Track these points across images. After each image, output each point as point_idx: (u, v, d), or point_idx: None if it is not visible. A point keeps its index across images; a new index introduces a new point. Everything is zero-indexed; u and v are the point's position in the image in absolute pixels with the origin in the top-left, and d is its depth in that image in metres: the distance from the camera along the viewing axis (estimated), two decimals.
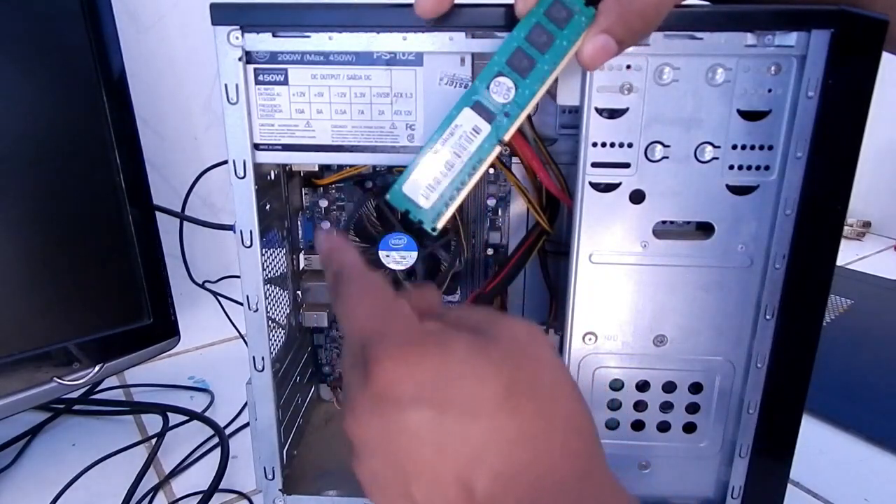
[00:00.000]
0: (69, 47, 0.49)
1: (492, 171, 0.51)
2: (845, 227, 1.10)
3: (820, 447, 0.58)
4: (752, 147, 0.37)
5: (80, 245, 0.52)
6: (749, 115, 0.36)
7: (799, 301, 0.38)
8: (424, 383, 0.23)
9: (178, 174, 0.66)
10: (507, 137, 0.30)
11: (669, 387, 0.42)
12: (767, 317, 0.39)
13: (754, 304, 0.39)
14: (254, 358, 0.42)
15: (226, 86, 0.36)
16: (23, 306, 0.50)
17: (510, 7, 0.34)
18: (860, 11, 0.33)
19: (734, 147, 0.37)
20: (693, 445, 0.43)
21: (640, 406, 0.42)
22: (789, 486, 0.43)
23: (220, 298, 0.63)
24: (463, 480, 0.23)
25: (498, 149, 0.30)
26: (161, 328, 0.57)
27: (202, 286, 0.63)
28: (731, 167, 0.37)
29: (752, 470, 0.42)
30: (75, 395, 0.62)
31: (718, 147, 0.37)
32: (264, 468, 0.44)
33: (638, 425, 0.43)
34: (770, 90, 0.36)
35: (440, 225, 0.29)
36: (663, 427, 0.43)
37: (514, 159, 0.46)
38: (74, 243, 0.52)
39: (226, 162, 0.37)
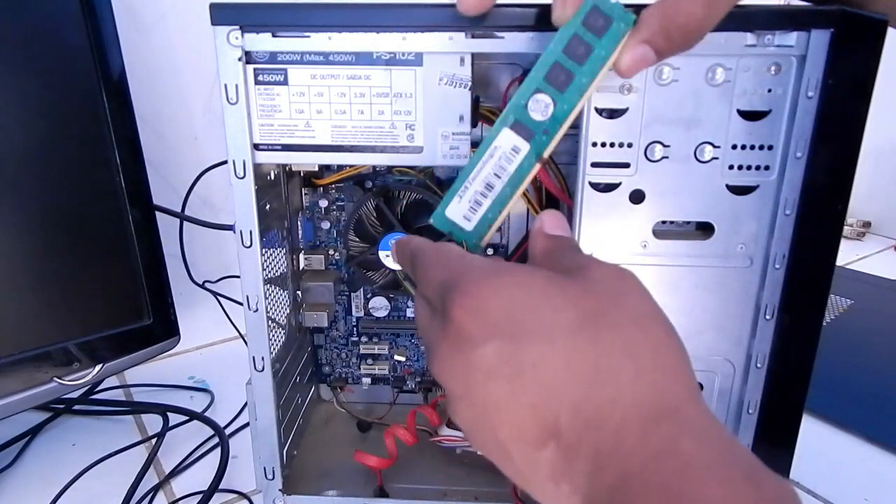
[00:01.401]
0: (69, 47, 0.49)
1: None
2: (845, 227, 1.10)
3: (820, 447, 0.58)
4: (752, 147, 0.37)
5: (81, 245, 0.52)
6: (749, 115, 0.36)
7: (799, 301, 0.38)
8: (498, 317, 0.23)
9: (178, 174, 0.66)
10: (546, 154, 0.29)
11: None
12: (767, 317, 0.39)
13: (754, 304, 0.39)
14: (254, 358, 0.42)
15: (225, 86, 0.36)
16: (23, 306, 0.50)
17: (509, 7, 0.34)
18: (860, 12, 0.33)
19: (734, 147, 0.37)
20: None
21: None
22: None
23: (219, 298, 0.63)
24: (542, 417, 0.22)
25: (538, 166, 0.29)
26: (161, 328, 0.57)
27: (202, 286, 0.63)
28: (731, 167, 0.37)
29: None
30: (75, 395, 0.62)
31: (718, 147, 0.37)
32: (264, 468, 0.44)
33: None
34: (770, 90, 0.36)
35: (484, 244, 0.29)
36: None
37: None
38: (74, 243, 0.52)
39: (226, 162, 0.37)
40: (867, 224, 1.15)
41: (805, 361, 0.40)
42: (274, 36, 0.35)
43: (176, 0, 0.60)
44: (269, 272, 0.44)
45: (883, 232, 1.16)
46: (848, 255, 1.05)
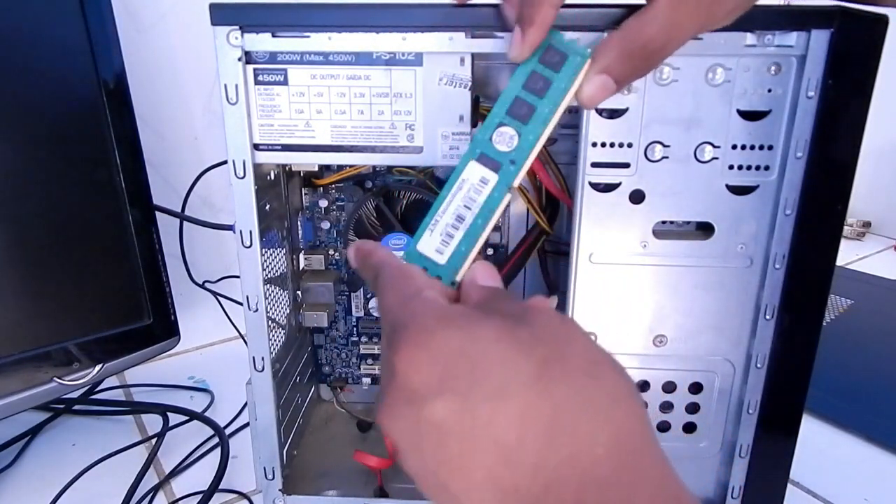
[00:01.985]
0: (69, 47, 0.49)
1: None
2: (845, 227, 1.09)
3: (820, 447, 0.58)
4: (752, 147, 0.37)
5: (81, 245, 0.52)
6: (749, 115, 0.36)
7: (799, 301, 0.38)
8: (447, 369, 0.22)
9: (178, 174, 0.66)
10: (516, 184, 0.29)
11: (669, 387, 0.42)
12: (767, 317, 0.39)
13: (754, 304, 0.39)
14: (254, 358, 0.42)
15: (225, 86, 0.36)
16: (23, 306, 0.50)
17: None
18: (861, 9, 0.33)
19: (734, 147, 0.37)
20: (693, 445, 0.43)
21: None
22: (789, 486, 0.43)
23: (219, 298, 0.63)
24: (498, 480, 0.21)
25: (508, 196, 0.29)
26: (161, 328, 0.57)
27: (202, 286, 0.63)
28: (731, 167, 0.37)
29: (752, 470, 0.42)
30: (75, 395, 0.62)
31: (718, 147, 0.37)
32: (264, 468, 0.44)
33: None
34: (770, 90, 0.36)
35: (459, 279, 0.29)
36: (663, 427, 0.43)
37: None
38: (74, 243, 0.52)
39: (225, 162, 0.37)
40: (867, 224, 1.15)
41: (805, 361, 0.40)
42: (274, 36, 0.35)
43: (176, 0, 0.60)
44: (269, 272, 0.44)
45: (883, 232, 1.15)
46: (848, 255, 1.05)
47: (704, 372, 0.41)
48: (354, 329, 0.56)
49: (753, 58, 0.35)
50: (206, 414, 0.62)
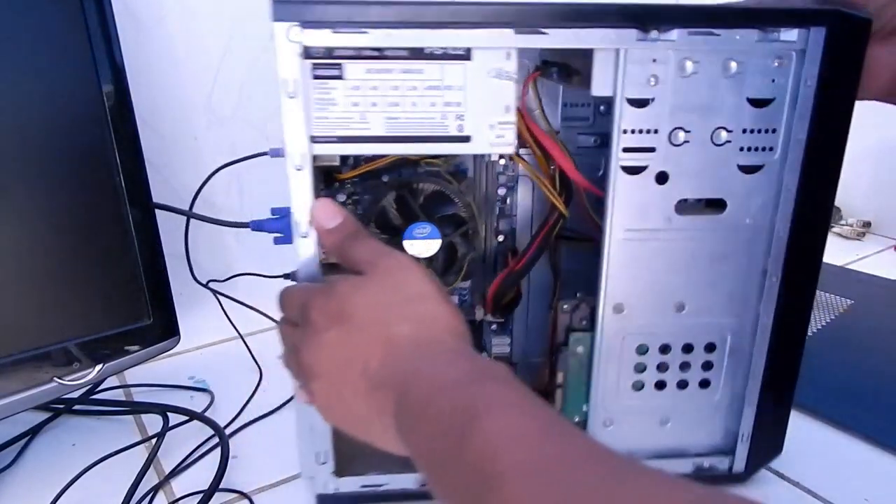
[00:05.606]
0: (69, 47, 0.48)
1: (502, 161, 0.54)
2: (845, 227, 1.11)
3: (820, 447, 0.57)
4: (759, 131, 0.42)
5: (81, 245, 0.51)
6: (756, 103, 0.41)
7: (798, 265, 0.44)
8: (335, 313, 0.36)
9: (178, 174, 0.65)
10: None
11: (687, 348, 0.46)
12: (773, 279, 0.44)
13: (760, 269, 0.44)
14: None
15: (285, 81, 0.37)
16: (23, 306, 0.49)
17: (556, 6, 0.38)
18: (851, 12, 0.39)
19: (744, 131, 0.42)
20: (708, 399, 0.48)
21: (662, 367, 0.47)
22: (789, 486, 0.48)
23: (220, 298, 0.62)
24: (364, 369, 0.34)
25: None
26: (161, 328, 0.57)
27: (206, 286, 0.62)
28: (742, 149, 0.42)
29: (758, 416, 0.48)
30: (75, 395, 0.60)
31: (731, 131, 0.41)
32: (316, 453, 0.45)
33: (660, 385, 0.47)
34: (774, 80, 0.41)
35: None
36: (682, 385, 0.47)
37: (523, 150, 0.49)
38: (74, 243, 0.51)
39: (237, 161, 0.38)
40: (867, 224, 1.13)
41: (803, 317, 0.45)
42: (333, 32, 0.37)
43: (176, 0, 0.60)
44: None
45: (883, 232, 1.13)
46: (848, 255, 1.03)
47: (718, 332, 0.46)
48: None
49: (761, 52, 0.40)
50: (206, 414, 0.61)
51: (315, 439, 0.46)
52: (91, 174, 0.51)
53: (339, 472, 0.47)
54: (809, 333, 0.69)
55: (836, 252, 1.03)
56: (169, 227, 0.58)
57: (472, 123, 0.40)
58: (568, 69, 0.46)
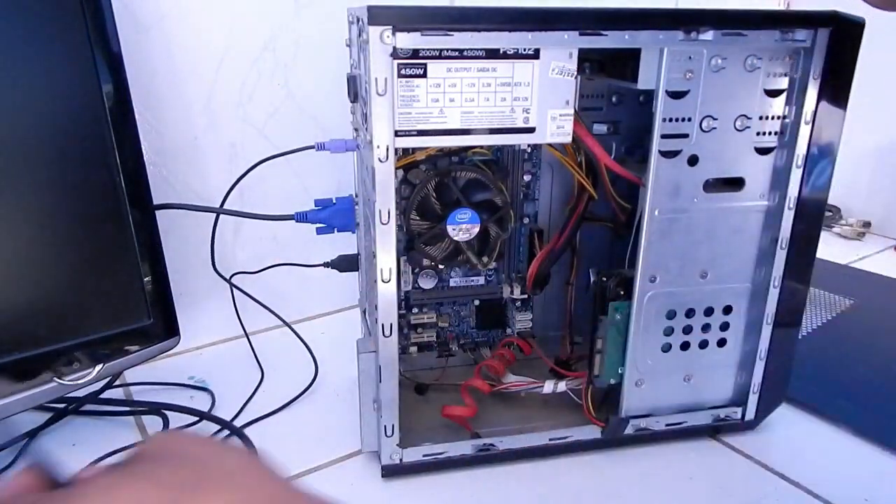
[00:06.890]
0: (69, 47, 0.48)
1: (529, 148, 0.59)
2: (845, 227, 1.11)
3: (820, 447, 0.57)
4: (773, 117, 0.48)
5: (81, 245, 0.51)
6: (771, 93, 0.48)
7: (803, 233, 0.51)
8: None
9: (179, 174, 0.64)
10: None
11: (709, 311, 0.53)
12: (782, 247, 0.51)
13: (771, 238, 0.51)
14: (382, 325, 0.46)
15: (376, 79, 0.40)
16: (23, 306, 0.49)
17: (613, 10, 0.42)
18: (849, 15, 0.46)
19: (760, 118, 0.48)
20: (725, 357, 0.54)
21: (686, 330, 0.53)
22: (789, 486, 0.52)
23: (233, 293, 0.63)
24: None
25: None
26: (161, 328, 0.57)
27: (228, 281, 0.63)
28: (758, 133, 0.48)
29: (766, 369, 0.55)
30: (78, 394, 0.59)
31: (750, 119, 0.48)
32: (385, 427, 0.49)
33: (685, 345, 0.53)
34: (785, 73, 0.47)
35: None
36: (703, 345, 0.54)
37: None
38: (74, 244, 0.51)
39: (277, 156, 0.39)
40: (867, 224, 1.13)
41: (804, 278, 0.53)
42: (422, 35, 0.40)
43: (176, 0, 0.59)
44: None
45: (883, 232, 1.13)
46: (848, 255, 1.04)
47: (735, 296, 0.53)
48: (403, 303, 0.60)
49: (777, 49, 0.46)
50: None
51: (384, 413, 0.49)
52: (91, 174, 0.51)
53: (402, 443, 0.50)
54: (809, 331, 0.76)
55: (837, 252, 1.03)
56: (175, 227, 0.57)
57: (537, 116, 0.44)
58: (601, 65, 0.51)
